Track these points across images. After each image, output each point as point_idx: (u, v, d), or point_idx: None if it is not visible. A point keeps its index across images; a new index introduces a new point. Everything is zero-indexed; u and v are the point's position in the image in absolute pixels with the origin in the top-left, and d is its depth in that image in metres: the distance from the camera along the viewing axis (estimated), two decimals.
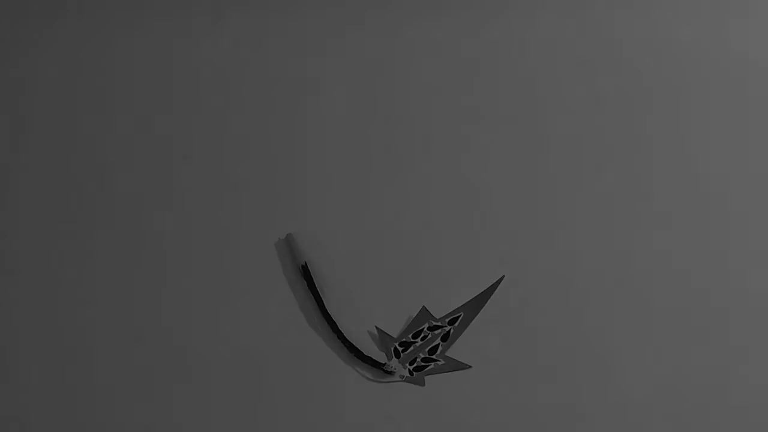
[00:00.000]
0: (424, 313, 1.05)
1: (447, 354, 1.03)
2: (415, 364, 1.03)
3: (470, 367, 1.02)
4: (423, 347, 1.04)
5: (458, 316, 1.05)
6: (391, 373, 1.03)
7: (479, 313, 1.05)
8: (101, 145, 1.15)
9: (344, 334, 1.03)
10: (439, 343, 1.04)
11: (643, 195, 1.13)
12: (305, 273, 1.07)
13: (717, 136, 1.17)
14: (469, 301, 1.06)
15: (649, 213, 1.12)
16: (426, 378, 1.02)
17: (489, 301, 1.06)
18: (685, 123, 1.18)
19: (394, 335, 1.05)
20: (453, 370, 1.03)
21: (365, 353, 1.03)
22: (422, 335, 1.05)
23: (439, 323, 1.05)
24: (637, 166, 1.15)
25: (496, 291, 1.06)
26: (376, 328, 1.05)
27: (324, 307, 1.05)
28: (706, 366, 1.02)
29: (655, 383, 1.01)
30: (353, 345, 1.03)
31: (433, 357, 1.04)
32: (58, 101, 1.18)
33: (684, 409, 1.00)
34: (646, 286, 1.07)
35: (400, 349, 1.04)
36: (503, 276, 1.07)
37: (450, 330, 1.05)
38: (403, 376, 1.03)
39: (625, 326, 1.04)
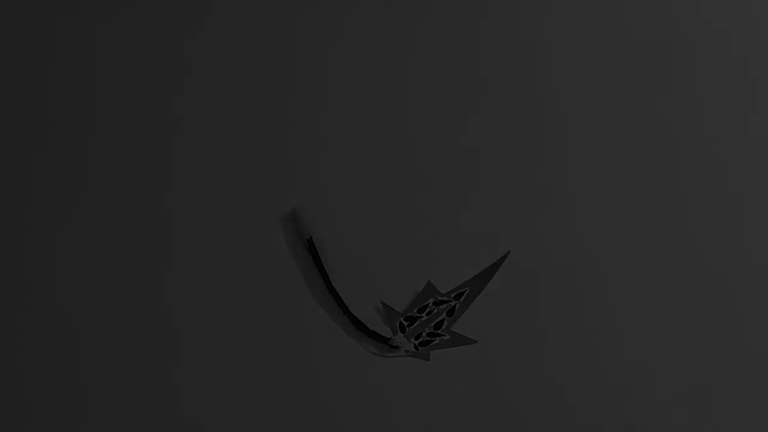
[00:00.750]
0: (430, 287, 1.05)
1: (452, 329, 1.03)
2: (420, 339, 1.03)
3: (476, 341, 1.02)
4: (428, 322, 1.04)
5: (464, 291, 1.05)
6: (396, 347, 1.03)
7: (484, 289, 1.05)
8: (102, 124, 1.15)
9: (349, 309, 1.03)
10: (444, 318, 1.04)
11: (654, 180, 1.13)
12: (310, 247, 1.06)
13: (726, 124, 1.17)
14: (474, 277, 1.05)
15: (657, 200, 1.11)
16: (431, 353, 1.02)
17: (494, 277, 1.05)
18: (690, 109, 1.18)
19: (400, 310, 1.04)
20: (458, 345, 1.02)
21: (370, 328, 1.03)
22: (428, 310, 1.04)
23: (445, 298, 1.05)
24: (649, 150, 1.14)
25: (501, 267, 1.06)
26: (382, 302, 1.04)
27: (329, 281, 1.05)
28: (715, 364, 1.03)
29: (656, 378, 1.02)
30: (358, 319, 1.03)
31: (439, 332, 1.03)
32: (56, 97, 1.18)
33: (693, 410, 1.01)
34: (653, 273, 1.07)
35: (406, 323, 1.04)
36: (509, 251, 1.06)
37: (455, 305, 1.04)
38: (409, 351, 1.02)
39: (632, 306, 1.04)
